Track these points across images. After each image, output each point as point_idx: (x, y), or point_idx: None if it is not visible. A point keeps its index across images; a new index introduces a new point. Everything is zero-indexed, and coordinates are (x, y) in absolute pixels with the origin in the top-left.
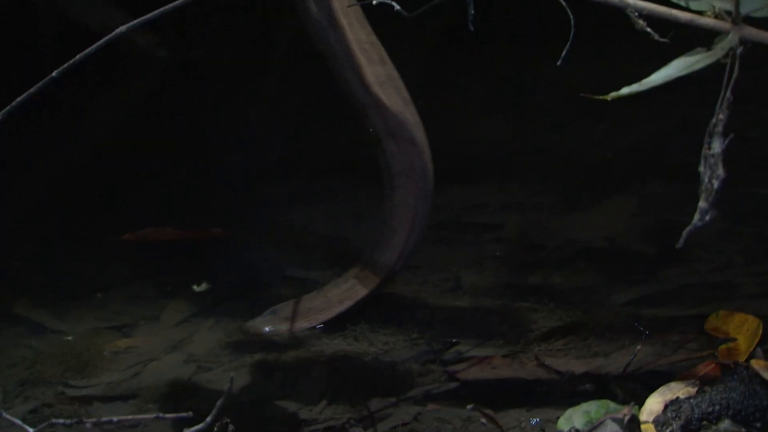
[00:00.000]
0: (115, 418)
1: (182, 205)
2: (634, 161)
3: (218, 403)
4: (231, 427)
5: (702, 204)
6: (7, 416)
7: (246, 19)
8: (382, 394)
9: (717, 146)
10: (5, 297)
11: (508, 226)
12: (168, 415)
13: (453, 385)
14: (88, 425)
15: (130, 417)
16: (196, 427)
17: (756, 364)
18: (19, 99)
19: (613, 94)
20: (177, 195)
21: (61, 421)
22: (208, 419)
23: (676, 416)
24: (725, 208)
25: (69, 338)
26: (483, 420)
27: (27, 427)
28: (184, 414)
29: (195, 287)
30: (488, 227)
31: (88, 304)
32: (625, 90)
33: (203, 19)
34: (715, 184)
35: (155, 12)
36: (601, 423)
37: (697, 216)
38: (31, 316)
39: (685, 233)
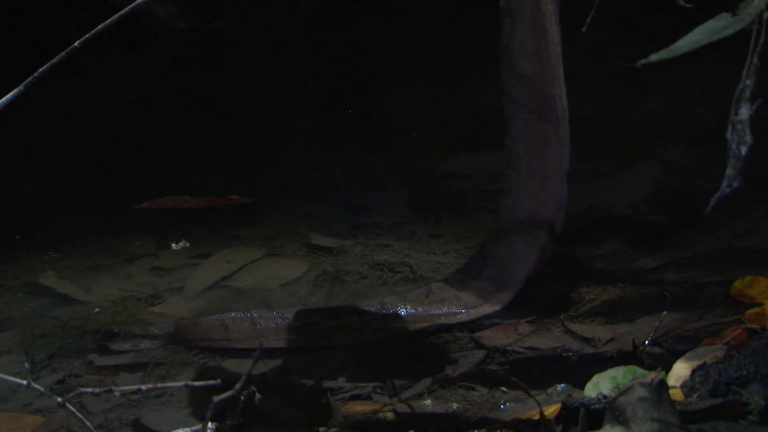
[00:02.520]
0: (143, 387)
1: (207, 173)
2: (658, 127)
3: (246, 371)
4: (258, 395)
5: (729, 171)
6: (35, 386)
7: None
8: (408, 362)
9: (744, 112)
10: (30, 268)
11: None
12: (196, 384)
13: (479, 351)
14: (117, 394)
15: (158, 385)
16: (223, 395)
17: None
18: (41, 69)
19: (642, 61)
20: (202, 164)
21: (89, 390)
22: (237, 387)
23: (703, 381)
24: (750, 173)
25: (95, 309)
26: (503, 388)
27: (55, 397)
28: (212, 382)
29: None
30: None
31: (112, 274)
32: (654, 56)
33: None
34: (743, 150)
35: None
36: (629, 388)
37: (724, 183)
38: (56, 288)
39: (713, 200)
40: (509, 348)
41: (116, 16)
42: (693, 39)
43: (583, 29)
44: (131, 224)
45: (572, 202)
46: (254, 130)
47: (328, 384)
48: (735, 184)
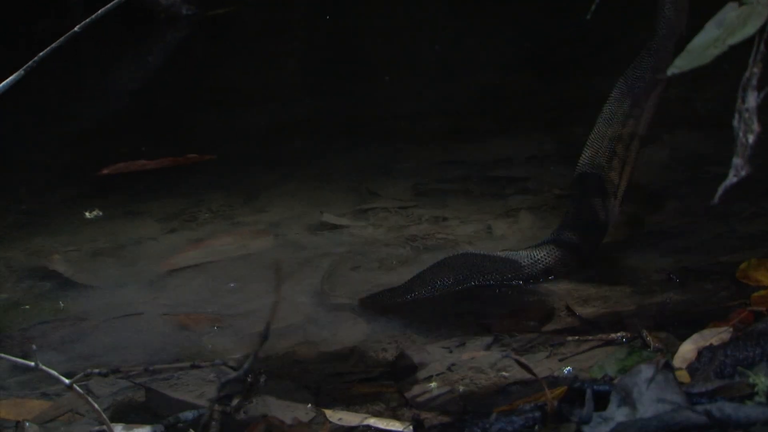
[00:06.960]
0: (150, 367)
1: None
2: (665, 112)
3: (253, 352)
4: (263, 377)
5: (737, 160)
6: (44, 367)
7: None
8: (416, 344)
9: (752, 101)
10: (41, 252)
11: (534, 179)
12: (203, 364)
13: (486, 335)
14: (124, 375)
15: (165, 366)
16: (230, 377)
17: None
18: (41, 54)
19: (673, 71)
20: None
21: (96, 371)
22: (243, 368)
23: (709, 363)
24: (756, 158)
25: (99, 293)
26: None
27: (62, 378)
28: (219, 362)
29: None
30: (513, 180)
31: (116, 257)
32: (682, 65)
33: None
34: (750, 138)
35: None
36: (635, 370)
37: (732, 172)
38: (61, 272)
39: (720, 189)
40: (516, 331)
41: (115, 2)
42: (711, 36)
43: (588, 16)
44: (135, 208)
45: None
46: (254, 115)
47: (337, 367)
48: (743, 173)
